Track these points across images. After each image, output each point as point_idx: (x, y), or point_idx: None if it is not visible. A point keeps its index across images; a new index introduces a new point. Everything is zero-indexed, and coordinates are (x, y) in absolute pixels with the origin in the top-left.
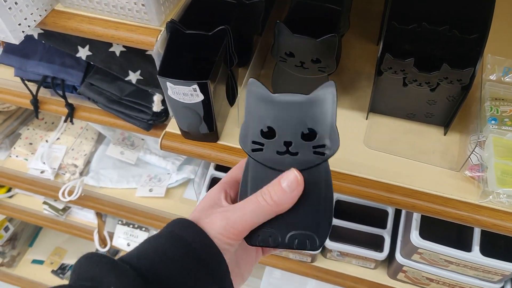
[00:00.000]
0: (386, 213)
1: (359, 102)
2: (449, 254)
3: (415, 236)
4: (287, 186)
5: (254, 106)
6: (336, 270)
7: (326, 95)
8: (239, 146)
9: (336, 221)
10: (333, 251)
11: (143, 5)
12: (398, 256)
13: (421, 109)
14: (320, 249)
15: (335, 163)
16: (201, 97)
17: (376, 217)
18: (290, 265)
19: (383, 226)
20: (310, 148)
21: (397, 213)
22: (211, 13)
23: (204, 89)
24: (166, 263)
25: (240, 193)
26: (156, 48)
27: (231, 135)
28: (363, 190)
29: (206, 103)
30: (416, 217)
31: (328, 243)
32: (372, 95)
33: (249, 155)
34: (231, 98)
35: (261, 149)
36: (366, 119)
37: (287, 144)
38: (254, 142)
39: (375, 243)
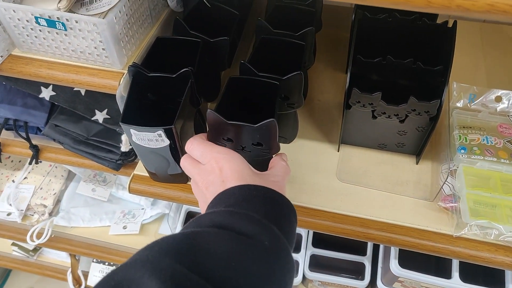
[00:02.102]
0: None
1: (330, 134)
2: (429, 282)
3: (394, 266)
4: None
5: (214, 127)
6: None
7: (271, 126)
8: None
9: (316, 250)
10: (314, 281)
11: (103, 49)
12: (379, 284)
13: (392, 139)
14: (300, 279)
15: (307, 199)
16: (167, 142)
17: (356, 243)
18: None
19: (363, 252)
20: (258, 150)
21: None
22: (175, 52)
23: (169, 134)
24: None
25: None
26: (119, 92)
27: None
28: (338, 227)
29: (173, 147)
30: None
31: (309, 274)
32: (342, 127)
33: None
34: None
35: (224, 146)
36: (338, 151)
37: (242, 147)
38: (218, 143)
39: (356, 270)
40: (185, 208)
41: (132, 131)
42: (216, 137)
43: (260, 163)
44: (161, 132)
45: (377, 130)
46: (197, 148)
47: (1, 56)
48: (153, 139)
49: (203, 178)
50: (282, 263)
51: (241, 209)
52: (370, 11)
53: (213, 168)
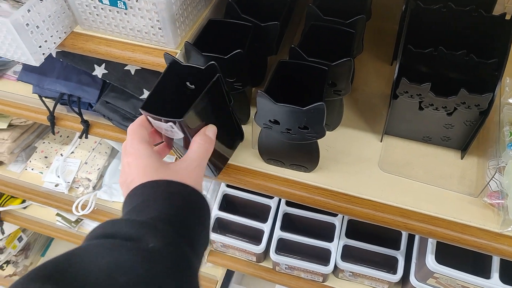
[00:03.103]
0: (399, 233)
1: (373, 123)
2: (467, 281)
3: (431, 261)
4: (210, 134)
5: (262, 108)
6: None
7: (319, 110)
8: (245, 165)
9: (348, 241)
10: (345, 271)
11: (159, 28)
12: (412, 280)
13: (438, 132)
14: (331, 268)
15: (348, 186)
16: (181, 134)
17: (389, 236)
18: (301, 284)
19: (396, 246)
20: (304, 134)
21: (411, 233)
22: (226, 35)
23: (181, 127)
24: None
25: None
26: None
27: (240, 156)
28: (378, 215)
29: (188, 141)
30: (432, 241)
31: (340, 263)
32: (388, 118)
33: (262, 128)
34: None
35: (270, 128)
36: (381, 141)
37: (288, 129)
38: (264, 124)
39: (388, 264)
40: (222, 190)
41: (149, 118)
42: (263, 119)
43: (304, 148)
44: (172, 124)
45: (423, 122)
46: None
47: (65, 33)
48: (168, 129)
49: (121, 176)
50: (171, 262)
51: (129, 215)
52: (423, 1)
53: (123, 166)
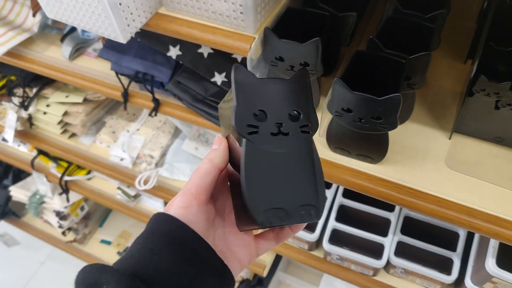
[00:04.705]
0: (456, 235)
1: (441, 120)
2: None
3: (491, 264)
4: (214, 143)
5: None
6: None
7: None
8: None
9: (403, 238)
10: (397, 267)
11: (241, 13)
12: (467, 282)
13: (511, 134)
14: (384, 263)
15: (413, 180)
16: None
17: (445, 238)
18: (350, 276)
19: (452, 247)
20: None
21: (469, 235)
22: (303, 24)
23: None
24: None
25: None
26: (249, 55)
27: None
28: (441, 211)
29: None
30: (493, 244)
31: (394, 259)
32: (459, 115)
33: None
34: None
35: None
36: (449, 138)
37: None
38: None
39: (442, 265)
40: None
41: None
42: (336, 107)
43: (373, 138)
44: None
45: (497, 122)
46: None
47: (150, 13)
48: None
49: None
50: None
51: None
52: None
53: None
